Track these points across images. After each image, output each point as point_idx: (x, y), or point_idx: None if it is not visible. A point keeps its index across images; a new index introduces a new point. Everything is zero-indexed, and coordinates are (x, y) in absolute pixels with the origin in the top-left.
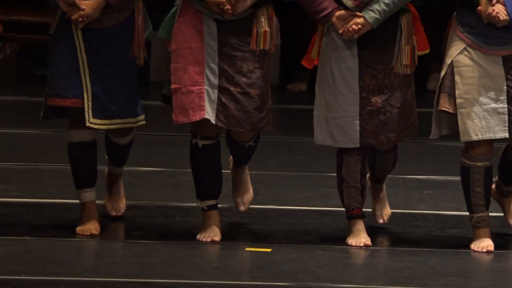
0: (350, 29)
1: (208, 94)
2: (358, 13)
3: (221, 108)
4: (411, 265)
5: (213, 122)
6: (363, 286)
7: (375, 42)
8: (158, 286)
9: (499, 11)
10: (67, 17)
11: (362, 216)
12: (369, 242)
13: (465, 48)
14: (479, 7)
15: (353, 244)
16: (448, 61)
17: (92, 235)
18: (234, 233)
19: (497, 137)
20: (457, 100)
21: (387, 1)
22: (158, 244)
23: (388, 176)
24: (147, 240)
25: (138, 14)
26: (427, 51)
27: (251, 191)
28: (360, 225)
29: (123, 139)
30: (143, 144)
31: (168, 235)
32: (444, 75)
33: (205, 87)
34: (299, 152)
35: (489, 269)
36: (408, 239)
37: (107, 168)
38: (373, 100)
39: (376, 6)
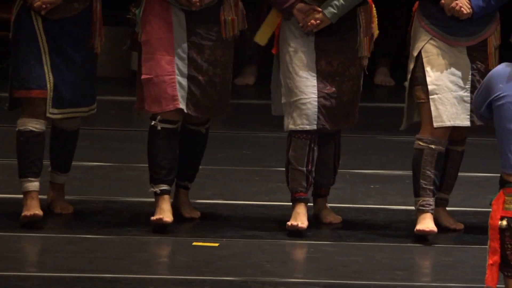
0: (309, 23)
1: (180, 83)
2: (317, 8)
3: (190, 97)
4: (358, 259)
5: (185, 111)
6: (310, 280)
7: (333, 31)
8: (106, 281)
9: (463, 4)
10: (28, 5)
11: (305, 200)
12: (304, 225)
13: (431, 38)
14: (442, 0)
15: (290, 226)
16: (415, 53)
17: (35, 216)
18: (181, 227)
19: (464, 125)
20: (429, 87)
21: None
22: (106, 239)
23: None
24: (94, 235)
25: (96, 4)
26: (376, 36)
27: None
28: (301, 209)
29: (72, 126)
30: (90, 138)
31: (116, 230)
32: (414, 67)
33: (176, 76)
34: (246, 146)
35: (435, 263)
36: (355, 233)
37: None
38: (328, 85)
39: (335, 2)
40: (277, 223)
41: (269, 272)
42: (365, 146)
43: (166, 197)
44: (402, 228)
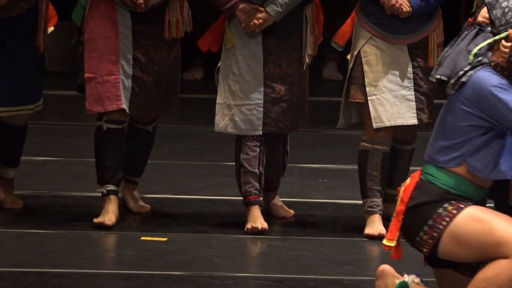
0: (252, 23)
1: (123, 84)
2: (260, 7)
3: (134, 97)
4: (307, 254)
5: (128, 111)
6: (259, 275)
7: (280, 31)
8: (53, 276)
9: (402, 2)
10: None
11: (259, 202)
12: (265, 226)
13: (370, 37)
14: None
15: (250, 229)
16: (355, 52)
17: None
18: (130, 222)
19: (409, 123)
20: (367, 88)
21: None
22: (54, 234)
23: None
24: (42, 230)
25: (42, 3)
26: (321, 40)
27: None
28: (257, 211)
29: (20, 121)
30: (38, 133)
31: (64, 224)
32: (353, 66)
33: (121, 76)
34: (194, 141)
35: (384, 257)
36: (304, 228)
37: None
38: (276, 88)
39: (279, 0)
40: (225, 217)
41: (218, 267)
42: (313, 140)
43: (113, 197)
44: (351, 223)
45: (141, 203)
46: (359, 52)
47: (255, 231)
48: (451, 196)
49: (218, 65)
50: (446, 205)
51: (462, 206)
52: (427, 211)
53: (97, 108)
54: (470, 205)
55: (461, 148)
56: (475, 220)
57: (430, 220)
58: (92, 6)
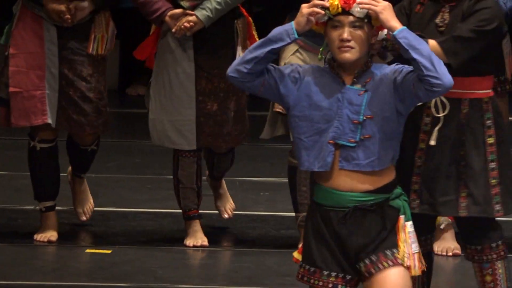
0: (182, 26)
1: (49, 99)
2: (190, 11)
3: (61, 112)
4: (249, 266)
5: (53, 126)
6: (202, 286)
7: (211, 47)
8: None
9: None
10: None
11: (198, 216)
12: (206, 242)
13: (297, 49)
14: None
15: (191, 245)
16: (282, 63)
17: None
18: (74, 234)
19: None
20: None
21: (219, 0)
22: None
23: (225, 178)
24: None
25: None
26: None
27: (91, 200)
28: (197, 226)
29: None
30: None
31: (9, 237)
32: None
33: (46, 91)
34: (137, 155)
35: None
36: (246, 240)
37: None
38: (209, 104)
39: (207, 4)
40: (168, 230)
41: (162, 279)
42: (254, 154)
43: (51, 213)
44: (291, 235)
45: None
46: (284, 64)
47: (197, 247)
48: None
49: (150, 80)
50: None
51: None
52: None
53: (23, 122)
54: None
55: None
56: None
57: None
58: (19, 22)
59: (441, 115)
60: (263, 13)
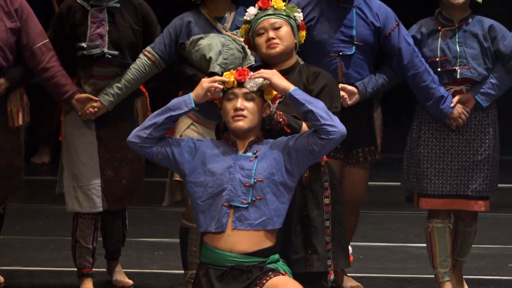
0: (87, 112)
1: None
2: (94, 97)
3: None
4: None
5: None
6: None
7: (112, 121)
8: None
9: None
10: None
11: (91, 275)
12: None
13: (192, 123)
14: None
15: None
16: (177, 135)
17: None
18: None
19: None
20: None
21: (119, 85)
22: None
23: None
24: None
25: None
26: None
27: None
28: (89, 283)
29: None
30: None
31: None
32: None
33: None
34: (42, 218)
35: None
36: None
37: None
38: (108, 171)
39: (110, 90)
40: (69, 286)
41: None
42: (149, 217)
43: None
44: None
45: None
46: (180, 136)
47: None
48: None
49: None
50: None
51: None
52: None
53: None
54: None
55: None
56: None
57: None
58: None
59: None
60: (156, 88)
